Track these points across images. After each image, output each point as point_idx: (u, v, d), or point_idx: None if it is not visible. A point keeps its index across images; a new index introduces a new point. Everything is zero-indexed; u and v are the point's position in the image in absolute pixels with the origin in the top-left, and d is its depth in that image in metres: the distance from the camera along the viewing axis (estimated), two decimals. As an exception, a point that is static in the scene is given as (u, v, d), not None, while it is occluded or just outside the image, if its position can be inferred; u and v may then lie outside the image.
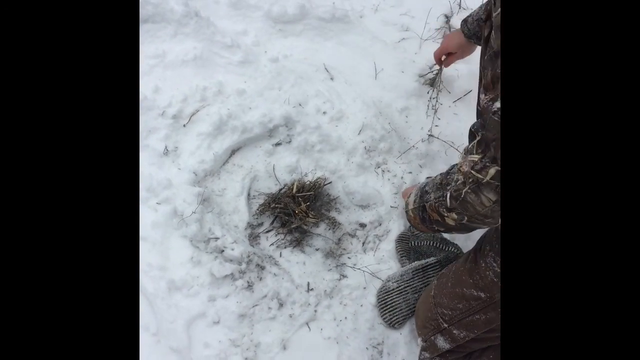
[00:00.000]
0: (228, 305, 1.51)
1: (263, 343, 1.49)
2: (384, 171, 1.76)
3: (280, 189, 1.71)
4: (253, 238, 1.66)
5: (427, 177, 1.35)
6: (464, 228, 1.10)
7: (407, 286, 1.55)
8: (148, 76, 1.84)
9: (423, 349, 1.42)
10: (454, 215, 1.07)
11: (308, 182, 1.71)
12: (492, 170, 0.93)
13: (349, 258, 1.64)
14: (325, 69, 1.98)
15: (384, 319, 1.53)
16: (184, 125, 1.78)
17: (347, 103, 1.87)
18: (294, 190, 1.68)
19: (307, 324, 1.53)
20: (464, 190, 1.01)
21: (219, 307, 1.51)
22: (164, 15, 1.93)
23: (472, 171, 0.97)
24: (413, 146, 1.80)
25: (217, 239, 1.59)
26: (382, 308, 1.54)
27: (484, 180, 0.95)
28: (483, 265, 1.21)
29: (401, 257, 1.63)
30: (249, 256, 1.58)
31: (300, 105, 1.86)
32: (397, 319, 1.52)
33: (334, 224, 1.68)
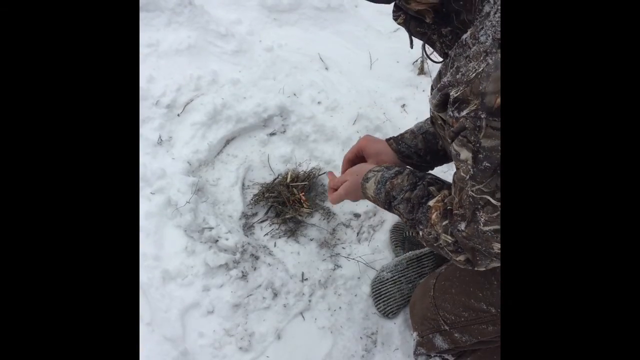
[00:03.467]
0: (222, 294, 1.51)
1: (257, 332, 1.49)
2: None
3: (275, 179, 1.71)
4: (247, 228, 1.66)
5: (383, 166, 1.19)
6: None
7: (402, 276, 1.55)
8: (142, 65, 1.83)
9: (419, 344, 1.40)
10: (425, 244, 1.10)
11: (302, 172, 1.71)
12: (462, 257, 1.00)
13: (343, 248, 1.64)
14: (320, 58, 1.97)
15: (378, 308, 1.54)
16: (178, 115, 1.77)
17: (341, 93, 1.87)
18: (288, 179, 1.67)
19: (301, 313, 1.53)
20: (435, 245, 1.04)
21: (213, 296, 1.51)
22: (158, 4, 1.91)
23: (446, 249, 1.01)
24: (408, 136, 1.80)
25: (211, 228, 1.59)
26: (376, 298, 1.54)
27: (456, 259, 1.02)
28: (496, 283, 1.18)
29: (395, 247, 1.63)
30: (243, 246, 1.58)
31: (294, 95, 1.86)
32: (391, 308, 1.53)
33: (329, 214, 1.68)
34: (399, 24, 1.00)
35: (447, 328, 1.29)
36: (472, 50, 0.79)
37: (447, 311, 1.28)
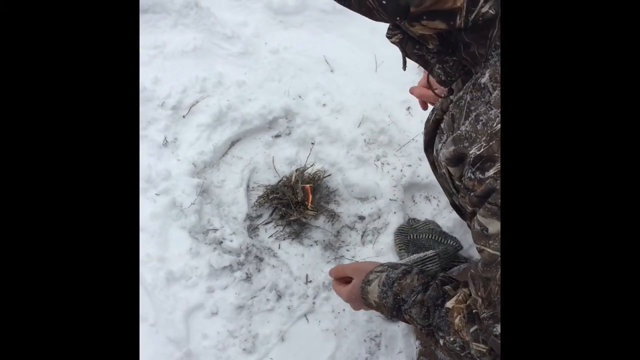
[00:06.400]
0: (226, 296, 1.52)
1: (261, 334, 1.49)
2: (383, 164, 1.76)
3: (279, 181, 1.71)
4: (252, 230, 1.66)
5: (386, 265, 1.08)
6: None
7: (405, 279, 1.54)
8: (147, 67, 1.84)
9: (421, 354, 1.41)
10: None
11: (307, 174, 1.70)
12: None
13: (347, 250, 1.64)
14: (326, 61, 1.97)
15: (382, 311, 1.53)
16: (184, 117, 1.77)
17: (347, 95, 1.87)
18: (292, 180, 1.67)
19: (305, 315, 1.53)
20: (462, 355, 0.88)
21: (217, 298, 1.51)
22: (164, 6, 1.92)
23: (479, 359, 0.85)
24: (413, 139, 1.80)
25: (216, 230, 1.59)
26: (380, 300, 1.54)
27: None
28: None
29: (400, 249, 1.63)
30: (247, 248, 1.59)
31: (300, 97, 1.86)
32: (395, 311, 1.52)
33: (333, 217, 1.68)
34: (393, 42, 0.87)
35: None
36: (493, 95, 0.70)
37: None
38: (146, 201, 1.60)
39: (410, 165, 1.75)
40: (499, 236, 0.69)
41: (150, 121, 1.73)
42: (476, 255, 1.59)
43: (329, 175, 1.72)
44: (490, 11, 0.68)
